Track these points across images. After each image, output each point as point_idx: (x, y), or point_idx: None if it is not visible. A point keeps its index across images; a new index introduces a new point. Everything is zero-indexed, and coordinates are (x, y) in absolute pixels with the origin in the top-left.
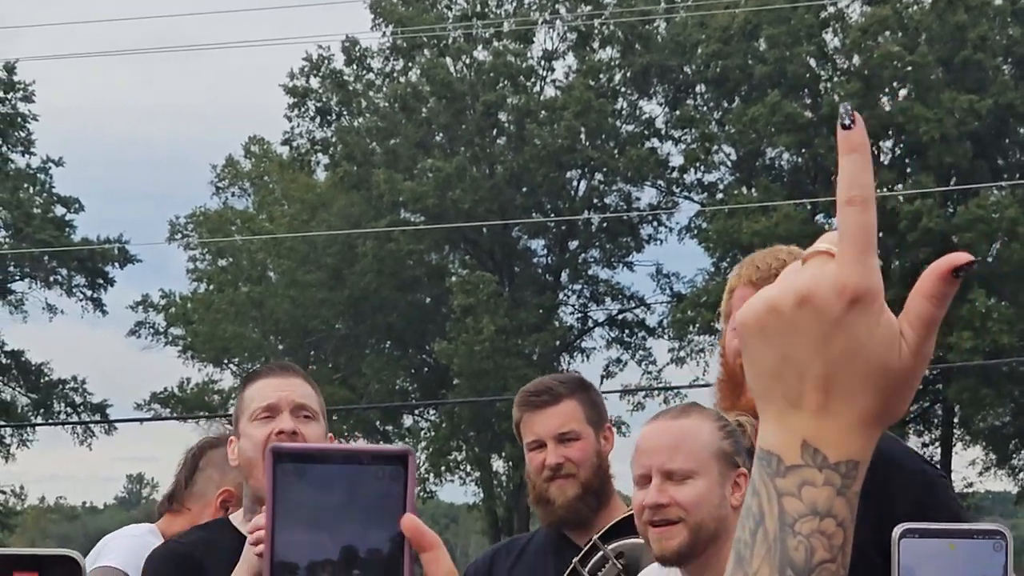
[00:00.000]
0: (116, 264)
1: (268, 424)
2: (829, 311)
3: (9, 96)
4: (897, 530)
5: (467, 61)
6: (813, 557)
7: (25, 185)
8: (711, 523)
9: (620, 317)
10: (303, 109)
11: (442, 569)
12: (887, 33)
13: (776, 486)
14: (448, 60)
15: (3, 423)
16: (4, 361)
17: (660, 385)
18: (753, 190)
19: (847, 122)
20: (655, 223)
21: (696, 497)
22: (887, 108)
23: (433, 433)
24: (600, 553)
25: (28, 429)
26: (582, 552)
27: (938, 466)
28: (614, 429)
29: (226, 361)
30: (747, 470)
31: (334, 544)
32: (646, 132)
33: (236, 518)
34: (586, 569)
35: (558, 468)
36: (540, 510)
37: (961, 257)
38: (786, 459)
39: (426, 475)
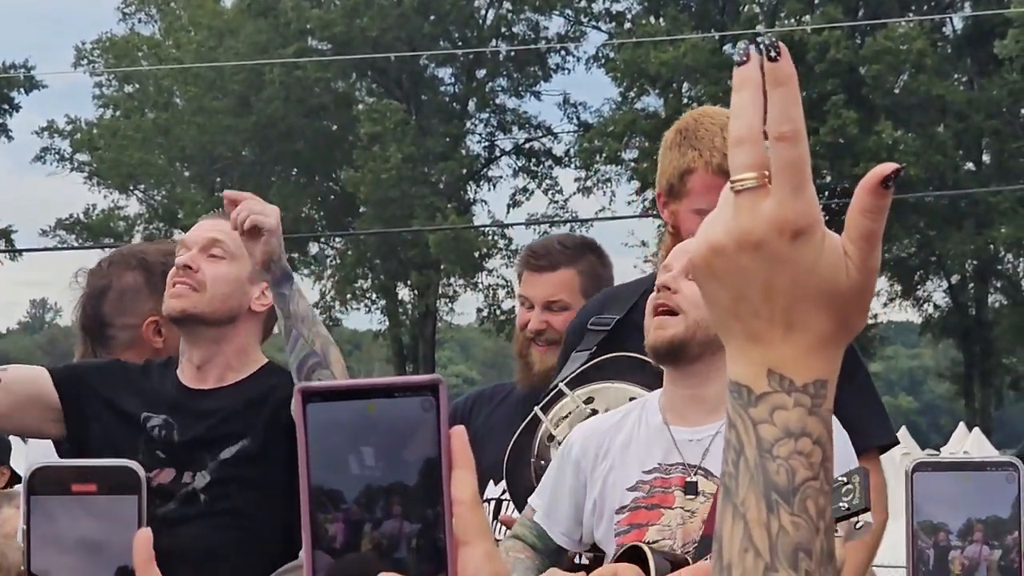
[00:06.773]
0: (21, 89)
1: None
2: (773, 251)
3: None
4: (910, 465)
5: None
6: (795, 477)
7: None
8: (710, 329)
9: (527, 146)
10: None
11: (467, 491)
12: None
13: (750, 415)
14: None
15: None
16: None
17: (566, 215)
18: (661, 20)
19: (773, 54)
20: (563, 52)
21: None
22: None
23: (339, 261)
24: (566, 398)
25: None
26: (546, 399)
27: None
28: None
29: (132, 187)
30: None
31: (370, 475)
32: None
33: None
34: (548, 416)
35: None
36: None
37: (886, 168)
38: (755, 388)
39: (332, 303)
